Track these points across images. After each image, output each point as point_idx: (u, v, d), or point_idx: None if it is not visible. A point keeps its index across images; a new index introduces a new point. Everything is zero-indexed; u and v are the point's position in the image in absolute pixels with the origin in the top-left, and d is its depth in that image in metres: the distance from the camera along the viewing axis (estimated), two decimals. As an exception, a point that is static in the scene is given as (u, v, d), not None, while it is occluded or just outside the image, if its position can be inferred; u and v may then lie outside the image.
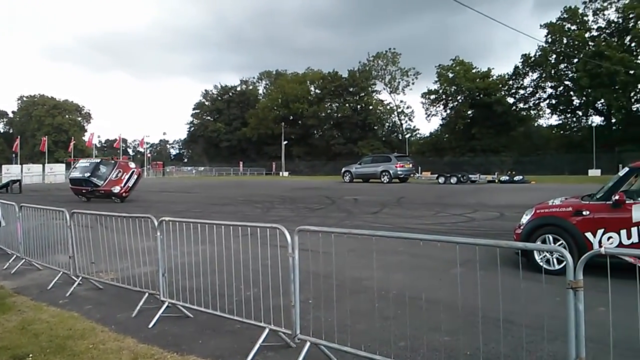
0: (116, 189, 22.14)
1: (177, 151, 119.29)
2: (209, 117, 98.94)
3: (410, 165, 38.47)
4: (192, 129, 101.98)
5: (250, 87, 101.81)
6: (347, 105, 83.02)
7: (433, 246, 4.16)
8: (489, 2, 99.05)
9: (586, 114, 66.39)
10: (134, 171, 23.27)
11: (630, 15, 56.72)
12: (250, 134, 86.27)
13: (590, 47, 58.59)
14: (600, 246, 6.49)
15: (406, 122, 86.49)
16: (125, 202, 22.00)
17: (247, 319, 4.74)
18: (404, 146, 70.51)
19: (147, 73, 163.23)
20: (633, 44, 57.65)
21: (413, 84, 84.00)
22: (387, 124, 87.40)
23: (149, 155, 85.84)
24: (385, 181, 35.98)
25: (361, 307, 5.51)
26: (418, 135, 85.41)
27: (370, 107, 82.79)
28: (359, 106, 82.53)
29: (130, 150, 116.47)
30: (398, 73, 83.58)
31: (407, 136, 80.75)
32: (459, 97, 72.71)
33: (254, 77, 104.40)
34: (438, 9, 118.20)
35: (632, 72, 53.43)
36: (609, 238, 6.68)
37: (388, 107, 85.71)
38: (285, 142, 75.13)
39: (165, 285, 5.59)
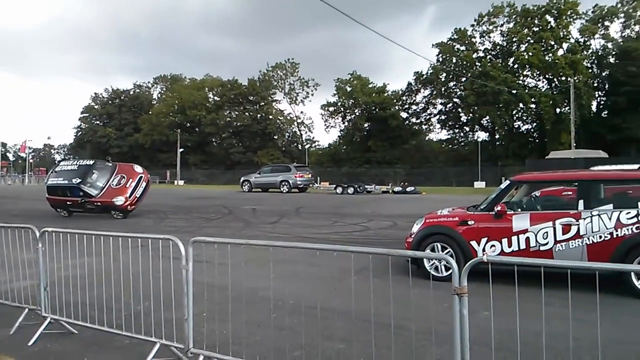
0: (119, 200, 17.38)
1: (63, 157, 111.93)
2: (98, 122, 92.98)
3: (310, 176, 39.01)
4: (80, 133, 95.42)
5: (145, 92, 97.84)
6: (246, 114, 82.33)
7: (329, 255, 4.21)
8: (388, 19, 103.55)
9: (472, 130, 70.55)
10: (141, 177, 18.67)
11: (514, 39, 61.45)
12: (143, 140, 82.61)
13: (477, 67, 62.40)
14: (484, 254, 6.93)
15: (306, 132, 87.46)
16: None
17: (136, 333, 4.51)
18: (304, 156, 71.14)
19: (30, 72, 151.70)
20: (515, 66, 62.33)
21: (312, 95, 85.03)
22: (287, 134, 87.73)
23: (31, 161, 79.97)
24: (284, 191, 36.15)
25: (257, 318, 5.46)
26: (317, 146, 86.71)
27: (271, 117, 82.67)
28: (259, 115, 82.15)
29: (10, 155, 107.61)
30: (297, 83, 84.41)
31: (306, 147, 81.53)
32: (356, 110, 74.70)
33: (148, 81, 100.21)
34: (338, 24, 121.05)
35: (514, 91, 57.92)
36: (492, 246, 7.10)
37: (288, 118, 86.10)
38: (181, 149, 72.97)
39: (47, 300, 5.20)
